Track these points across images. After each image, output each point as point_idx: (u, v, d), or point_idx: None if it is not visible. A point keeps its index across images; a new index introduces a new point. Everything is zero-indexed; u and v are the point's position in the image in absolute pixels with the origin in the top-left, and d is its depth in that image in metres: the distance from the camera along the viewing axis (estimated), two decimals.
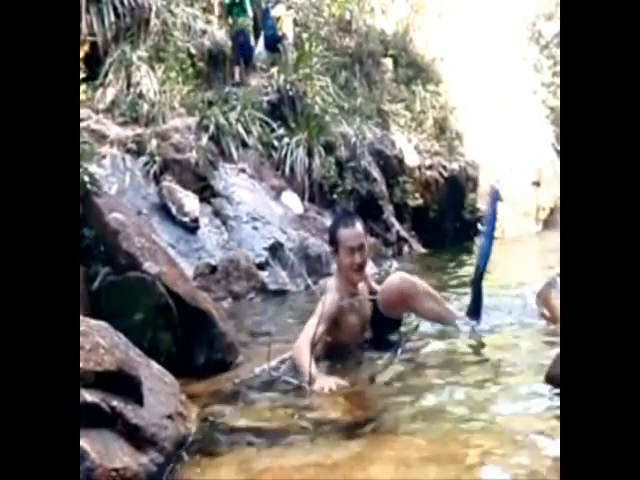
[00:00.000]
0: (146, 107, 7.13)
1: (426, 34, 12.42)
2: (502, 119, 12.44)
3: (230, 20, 9.03)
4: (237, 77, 8.71)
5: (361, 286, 2.87)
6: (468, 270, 6.54)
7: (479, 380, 2.23)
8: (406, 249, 8.83)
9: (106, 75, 7.35)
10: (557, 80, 14.31)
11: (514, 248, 10.27)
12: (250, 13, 9.01)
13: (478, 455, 1.55)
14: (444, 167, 10.56)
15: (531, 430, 1.67)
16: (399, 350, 2.65)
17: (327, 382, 2.24)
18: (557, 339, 2.27)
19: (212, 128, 7.09)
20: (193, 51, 8.48)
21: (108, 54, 7.45)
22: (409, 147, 10.29)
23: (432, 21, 12.67)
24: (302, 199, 7.60)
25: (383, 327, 2.88)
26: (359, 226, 2.76)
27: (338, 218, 3.01)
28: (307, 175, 7.75)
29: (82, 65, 6.96)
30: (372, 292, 2.94)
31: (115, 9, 7.48)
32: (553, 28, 16.17)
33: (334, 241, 2.78)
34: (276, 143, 7.84)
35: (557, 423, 1.45)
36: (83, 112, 6.34)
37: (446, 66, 12.26)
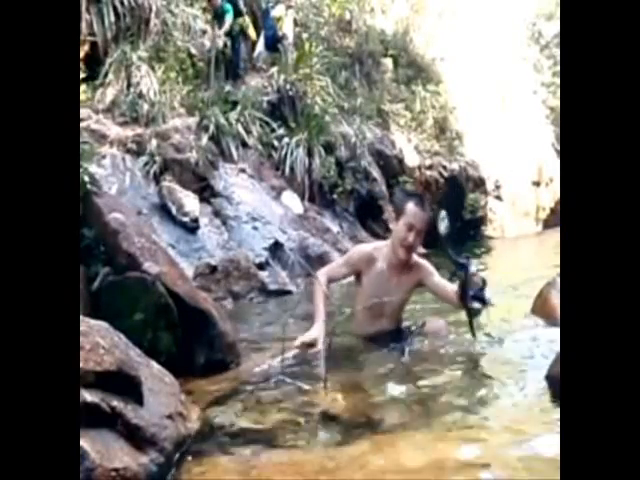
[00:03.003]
0: (146, 107, 7.13)
1: (426, 34, 12.42)
2: (502, 119, 12.45)
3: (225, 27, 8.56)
4: (228, 86, 8.23)
5: (415, 265, 2.88)
6: None
7: (481, 379, 2.23)
8: None
9: (106, 75, 7.34)
10: (557, 80, 14.33)
11: (514, 248, 10.28)
12: (230, 21, 8.46)
13: (478, 454, 1.55)
14: (444, 167, 10.56)
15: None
16: (406, 350, 2.65)
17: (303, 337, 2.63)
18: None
19: (212, 128, 7.09)
20: (193, 51, 8.47)
21: (108, 54, 7.44)
22: (409, 147, 10.29)
23: (432, 21, 12.67)
24: (302, 199, 7.60)
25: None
26: (428, 213, 2.86)
27: (411, 194, 3.18)
28: (307, 175, 7.74)
29: (82, 65, 6.96)
30: (419, 284, 2.92)
31: (115, 9, 7.47)
32: (553, 28, 16.20)
33: (399, 210, 2.86)
34: (276, 143, 7.83)
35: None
36: (83, 112, 6.34)
37: (446, 66, 12.26)
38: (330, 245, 6.74)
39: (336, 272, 2.93)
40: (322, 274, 2.93)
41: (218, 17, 8.51)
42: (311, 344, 2.61)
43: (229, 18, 8.41)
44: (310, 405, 2.07)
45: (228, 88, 8.13)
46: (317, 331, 2.63)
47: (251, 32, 9.08)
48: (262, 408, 2.08)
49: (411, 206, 2.79)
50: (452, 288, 2.79)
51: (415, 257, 2.90)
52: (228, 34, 8.45)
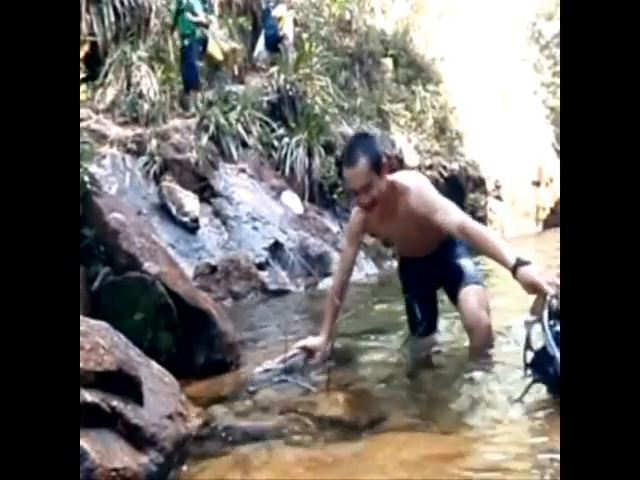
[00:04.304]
0: (146, 107, 7.13)
1: (426, 34, 12.43)
2: (502, 119, 12.45)
3: (176, 33, 7.81)
4: (192, 107, 7.54)
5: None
6: None
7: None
8: None
9: (106, 75, 7.36)
10: (557, 80, 14.34)
11: (514, 248, 10.25)
12: (202, 18, 7.74)
13: (479, 454, 1.55)
14: (444, 167, 10.56)
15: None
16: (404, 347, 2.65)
17: (305, 341, 2.56)
18: None
19: (212, 128, 7.09)
20: None
21: (108, 54, 7.46)
22: (409, 147, 10.29)
23: (432, 21, 12.68)
24: (302, 199, 7.60)
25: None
26: (360, 165, 2.33)
27: (344, 153, 2.60)
28: (307, 175, 7.74)
29: (82, 65, 6.97)
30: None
31: (115, 9, 7.49)
32: (553, 28, 16.21)
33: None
34: (276, 143, 7.84)
35: None
36: (83, 112, 6.36)
37: (446, 66, 12.27)
38: (330, 245, 6.74)
39: (347, 257, 2.70)
40: (337, 271, 2.79)
41: (180, 15, 7.69)
42: (311, 351, 2.58)
43: (199, 10, 7.66)
44: (311, 405, 2.07)
45: (229, 88, 8.12)
46: (319, 341, 2.57)
47: (215, 50, 8.18)
48: (263, 408, 2.08)
49: (345, 171, 2.42)
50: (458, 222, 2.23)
51: (402, 190, 2.43)
52: (190, 34, 7.60)
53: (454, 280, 2.59)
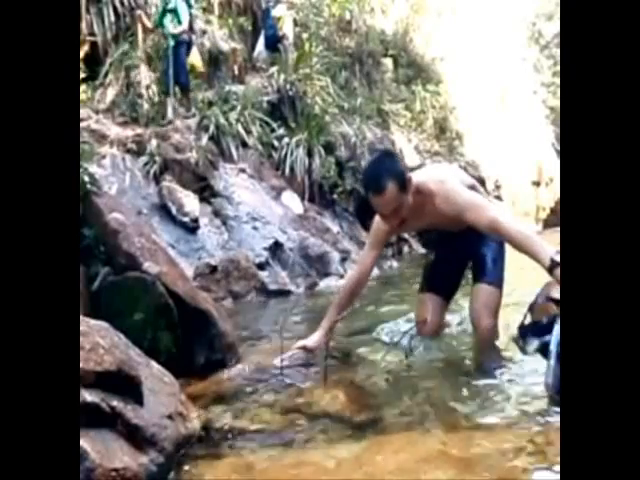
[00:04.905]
0: (146, 107, 7.13)
1: (426, 34, 12.43)
2: (502, 119, 12.46)
3: (161, 31, 7.37)
4: (170, 113, 7.17)
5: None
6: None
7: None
8: (406, 249, 8.82)
9: (106, 75, 7.35)
10: (557, 80, 14.34)
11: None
12: (185, 24, 7.23)
13: (479, 454, 1.55)
14: None
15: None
16: (412, 343, 2.64)
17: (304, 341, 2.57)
18: None
19: (212, 128, 7.09)
20: None
21: (108, 54, 7.45)
22: (409, 147, 10.28)
23: (432, 21, 12.69)
24: (302, 199, 7.60)
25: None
26: (389, 191, 2.25)
27: (366, 179, 2.43)
28: (307, 175, 7.73)
29: (82, 65, 6.96)
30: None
31: (115, 9, 7.48)
32: (553, 28, 16.22)
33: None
34: (276, 143, 7.83)
35: None
36: (83, 112, 6.35)
37: (446, 66, 12.28)
38: (330, 245, 6.73)
39: (367, 260, 2.66)
40: (353, 272, 2.77)
41: (165, 15, 7.26)
42: (311, 351, 2.58)
43: (184, 11, 7.22)
44: (309, 405, 2.07)
45: (228, 87, 8.09)
46: (317, 338, 2.58)
47: (196, 59, 7.65)
48: (261, 408, 2.08)
49: (371, 198, 2.32)
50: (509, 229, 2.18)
51: (427, 193, 2.39)
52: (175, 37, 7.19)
53: (475, 268, 2.69)
